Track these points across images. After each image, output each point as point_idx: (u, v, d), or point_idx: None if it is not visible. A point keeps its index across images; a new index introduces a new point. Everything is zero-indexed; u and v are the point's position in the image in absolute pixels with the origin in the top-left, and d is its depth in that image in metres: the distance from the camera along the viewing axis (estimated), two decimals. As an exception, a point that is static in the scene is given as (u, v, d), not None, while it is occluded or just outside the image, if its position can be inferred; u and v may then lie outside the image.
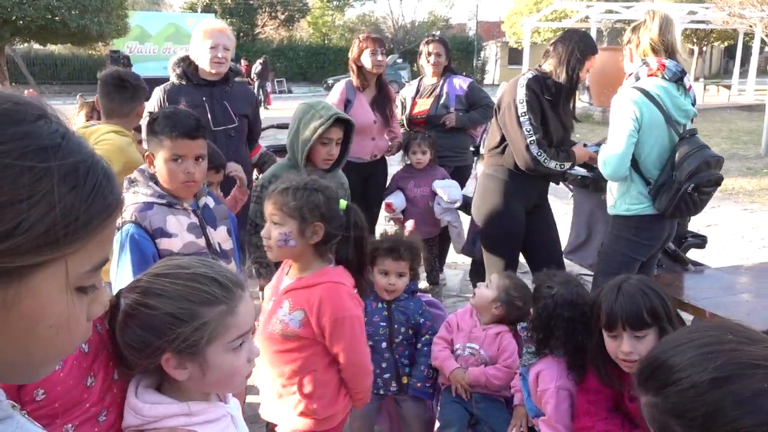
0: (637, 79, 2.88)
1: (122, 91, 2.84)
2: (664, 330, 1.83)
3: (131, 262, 1.95)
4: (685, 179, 2.73)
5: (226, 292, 1.17)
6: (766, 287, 3.06)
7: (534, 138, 3.05)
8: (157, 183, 2.08)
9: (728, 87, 22.14)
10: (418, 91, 4.53)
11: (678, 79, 2.84)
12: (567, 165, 3.11)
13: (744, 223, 6.67)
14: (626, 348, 1.84)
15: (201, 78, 3.34)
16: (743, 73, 23.35)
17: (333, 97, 4.05)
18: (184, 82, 3.37)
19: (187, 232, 2.08)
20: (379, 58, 3.97)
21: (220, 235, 2.21)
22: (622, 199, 2.90)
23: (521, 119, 3.07)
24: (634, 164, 2.85)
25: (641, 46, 2.90)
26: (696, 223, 4.15)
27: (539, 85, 3.10)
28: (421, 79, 4.62)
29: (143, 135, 2.09)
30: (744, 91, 21.32)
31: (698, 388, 0.94)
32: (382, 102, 4.08)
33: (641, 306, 1.83)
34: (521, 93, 3.09)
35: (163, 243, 2.03)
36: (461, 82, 4.44)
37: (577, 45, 3.06)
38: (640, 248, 2.96)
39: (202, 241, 2.11)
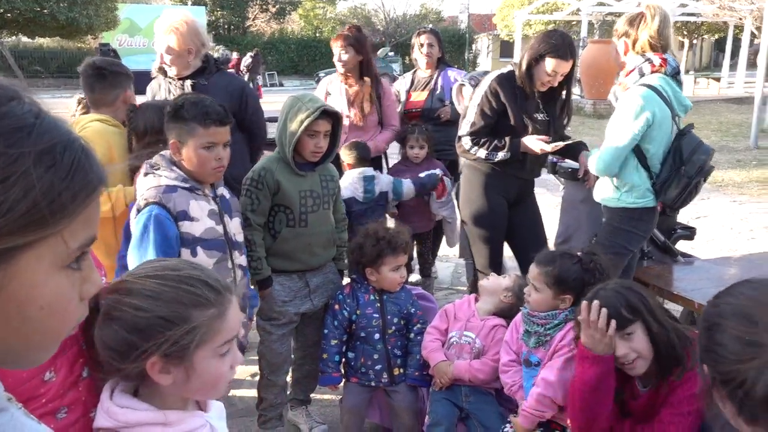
0: (641, 74, 2.88)
1: (102, 80, 2.82)
2: (647, 323, 1.89)
3: (153, 243, 2.00)
4: (695, 173, 2.81)
5: (217, 295, 1.14)
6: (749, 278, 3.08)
7: (468, 130, 3.18)
8: (178, 167, 2.12)
9: (718, 80, 22.24)
10: (412, 83, 4.52)
11: (675, 73, 2.88)
12: (500, 155, 3.12)
13: (733, 214, 6.72)
14: (621, 351, 1.89)
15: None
16: (733, 66, 23.46)
17: (319, 89, 4.05)
18: (161, 77, 3.33)
19: (208, 217, 2.15)
20: (344, 56, 3.89)
21: (235, 226, 2.28)
22: (628, 192, 2.91)
23: (469, 110, 3.20)
24: (642, 159, 2.87)
25: (639, 42, 2.90)
26: (685, 215, 4.18)
27: (509, 82, 3.13)
28: (414, 71, 4.60)
29: (165, 124, 2.14)
30: (733, 83, 21.42)
31: (726, 305, 1.12)
32: (366, 97, 3.95)
33: (618, 305, 1.90)
34: (484, 87, 3.17)
35: (185, 226, 2.09)
36: (456, 75, 4.43)
37: (540, 45, 3.05)
38: (637, 240, 3.01)
39: (220, 228, 2.18)
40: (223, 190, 2.28)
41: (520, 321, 2.36)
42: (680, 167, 2.82)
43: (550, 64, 3.01)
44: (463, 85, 3.67)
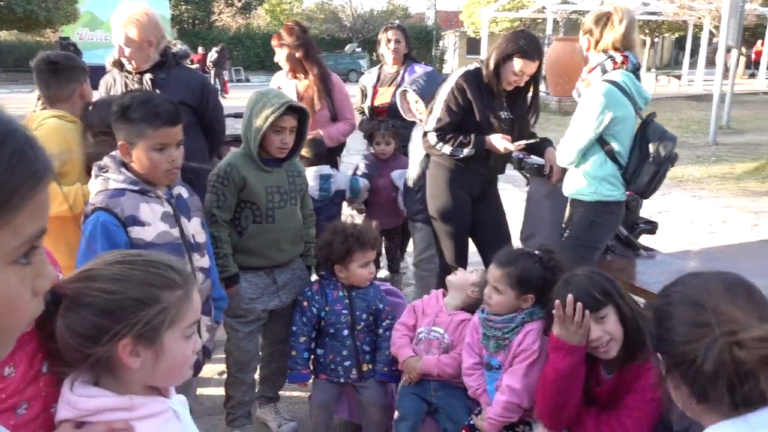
0: (604, 71, 2.94)
1: (56, 75, 2.72)
2: (618, 306, 1.96)
3: (102, 251, 1.86)
4: (664, 160, 2.91)
5: (182, 277, 1.18)
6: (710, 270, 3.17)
7: (434, 126, 3.20)
8: (128, 169, 2.02)
9: (678, 77, 22.78)
10: (378, 79, 4.51)
11: (636, 69, 2.95)
12: (465, 151, 3.16)
13: (693, 209, 6.90)
14: (595, 334, 1.93)
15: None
16: (693, 64, 24.04)
17: (271, 86, 3.94)
18: (117, 70, 3.24)
19: (160, 221, 2.03)
20: (283, 53, 3.86)
21: (194, 227, 2.16)
22: (602, 186, 2.98)
23: (435, 106, 3.22)
24: (611, 154, 2.94)
25: (602, 43, 2.95)
26: (647, 210, 4.27)
27: (475, 79, 3.16)
28: (381, 67, 4.59)
29: (112, 124, 2.02)
30: (693, 81, 21.96)
31: (674, 295, 1.18)
32: (321, 94, 3.91)
33: (591, 289, 1.95)
34: (451, 83, 3.19)
35: (135, 231, 1.98)
36: (422, 71, 4.43)
37: (508, 45, 3.08)
38: (609, 233, 3.10)
39: (176, 231, 2.07)
40: (180, 190, 2.17)
41: (479, 323, 2.36)
42: (648, 156, 2.91)
43: (517, 64, 3.05)
44: (406, 91, 3.66)
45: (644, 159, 2.92)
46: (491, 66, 3.10)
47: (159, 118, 1.96)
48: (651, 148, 2.91)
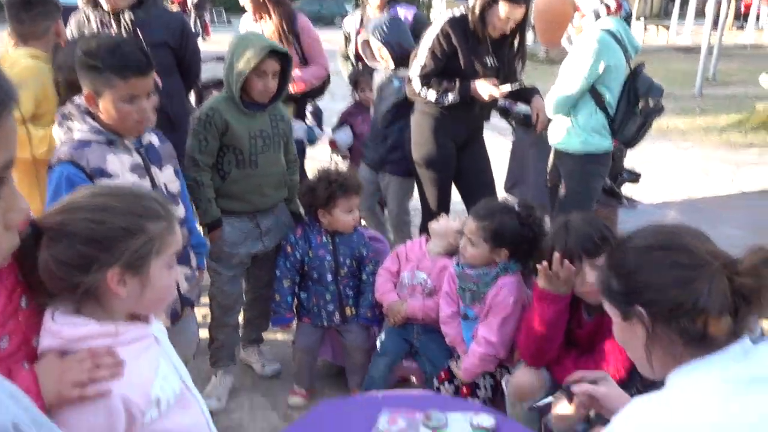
0: (597, 17, 2.90)
1: (29, 9, 2.59)
2: None
3: None
4: (651, 111, 2.93)
5: (165, 209, 1.21)
6: (692, 222, 3.17)
7: (419, 72, 3.15)
8: (94, 118, 1.89)
9: (667, 28, 22.54)
10: (362, 22, 4.39)
11: (627, 17, 2.93)
12: (450, 97, 3.11)
13: (676, 160, 6.94)
14: (591, 278, 1.93)
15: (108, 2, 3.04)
16: (682, 15, 23.76)
17: (240, 30, 3.76)
18: (90, 9, 3.10)
19: (129, 172, 1.93)
20: None
21: (167, 176, 2.06)
22: (592, 137, 2.98)
23: (420, 52, 3.16)
24: (600, 102, 2.92)
25: None
26: (631, 160, 4.28)
27: (461, 25, 3.09)
28: (364, 9, 4.47)
29: (77, 68, 1.87)
30: (682, 32, 21.75)
31: (635, 248, 1.16)
32: (286, 36, 3.66)
33: (592, 234, 1.96)
34: (436, 29, 3.13)
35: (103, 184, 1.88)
36: (406, 12, 4.31)
37: None
38: (600, 181, 3.15)
39: (146, 182, 1.97)
40: (151, 137, 2.05)
41: (455, 274, 2.38)
42: (635, 106, 2.90)
43: (503, 9, 2.97)
44: (367, 40, 3.55)
45: (632, 109, 2.92)
46: (477, 11, 3.03)
47: (129, 67, 1.81)
48: (640, 99, 2.90)
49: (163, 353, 1.27)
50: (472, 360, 2.28)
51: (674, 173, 6.47)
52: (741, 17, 26.69)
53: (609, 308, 1.20)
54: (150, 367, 1.21)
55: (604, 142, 2.98)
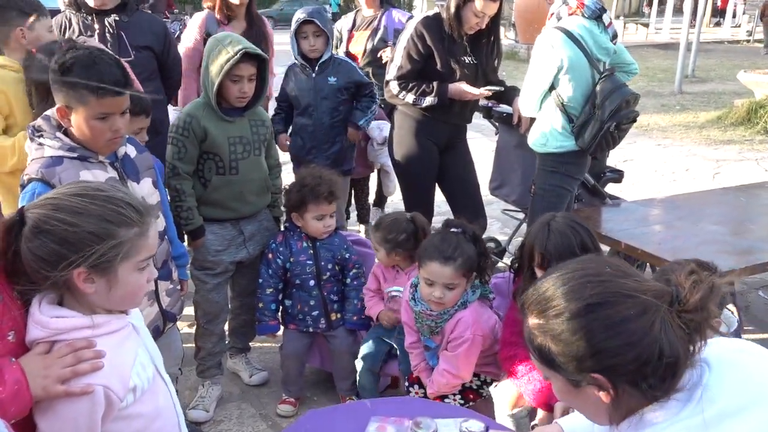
0: (559, 18, 2.90)
1: None
2: None
3: None
4: (607, 118, 2.84)
5: (140, 216, 1.28)
6: (674, 219, 3.24)
7: (396, 74, 3.13)
8: (66, 133, 1.81)
9: (646, 25, 22.75)
10: (354, 23, 4.38)
11: (597, 16, 2.88)
12: (428, 99, 3.09)
13: (657, 158, 7.00)
14: None
15: (91, 6, 3.02)
16: (660, 12, 24.01)
17: (191, 32, 3.64)
18: (73, 11, 3.07)
19: None
20: None
21: (144, 189, 1.98)
22: (553, 137, 2.97)
23: (396, 54, 3.15)
24: (561, 104, 2.91)
25: None
26: (613, 158, 4.32)
27: (436, 25, 3.08)
28: (357, 11, 4.47)
29: (51, 81, 1.79)
30: (661, 29, 21.98)
31: (574, 313, 1.02)
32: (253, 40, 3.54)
33: (572, 242, 1.92)
34: (410, 30, 3.11)
35: None
36: (400, 16, 4.32)
37: None
38: (572, 181, 3.11)
39: None
40: (127, 149, 1.97)
41: (408, 298, 2.29)
42: (596, 111, 2.86)
43: (478, 4, 2.97)
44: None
45: (592, 115, 2.87)
46: (452, 9, 3.01)
47: (105, 87, 1.72)
48: (597, 104, 2.84)
49: (140, 341, 1.38)
50: (435, 388, 2.26)
51: (656, 170, 6.52)
52: (718, 13, 27.03)
53: (548, 373, 1.10)
54: (129, 357, 1.31)
55: (565, 143, 2.96)
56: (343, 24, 4.40)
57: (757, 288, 3.82)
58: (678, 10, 22.80)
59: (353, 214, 4.65)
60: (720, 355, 1.04)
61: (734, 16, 25.18)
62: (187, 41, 3.66)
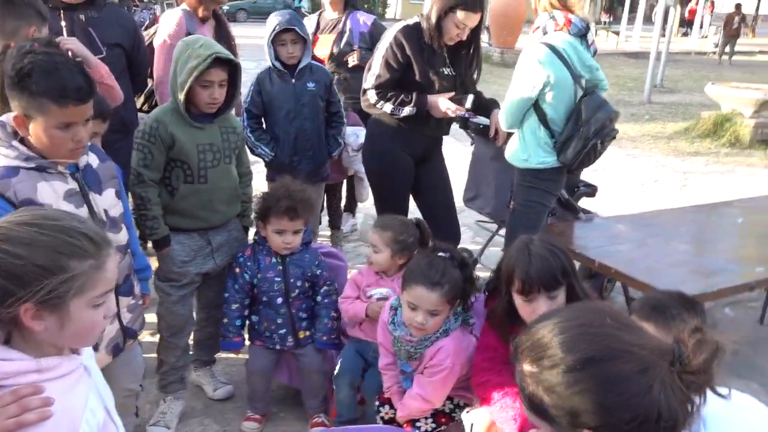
0: (545, 33, 2.87)
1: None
2: (571, 285, 1.89)
3: None
4: (592, 135, 2.83)
5: (96, 247, 1.16)
6: (646, 236, 3.25)
7: (374, 83, 3.07)
8: (23, 141, 1.69)
9: (617, 33, 23.12)
10: (318, 26, 4.30)
11: (582, 34, 2.87)
12: (406, 110, 3.04)
13: (626, 168, 7.08)
14: (544, 310, 1.85)
15: (58, 0, 2.87)
16: (631, 20, 24.43)
17: (168, 28, 3.42)
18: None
19: (64, 201, 1.74)
20: None
21: (107, 201, 1.88)
22: (535, 153, 2.93)
23: (374, 62, 3.09)
24: (543, 120, 2.88)
25: (542, 2, 2.92)
26: (585, 168, 4.30)
27: (415, 34, 3.02)
28: (321, 13, 4.38)
29: (6, 87, 1.66)
30: (631, 37, 22.35)
31: (570, 366, 0.97)
32: (221, 40, 3.41)
33: (554, 268, 1.86)
34: (389, 38, 3.05)
35: None
36: (365, 19, 4.26)
37: None
38: (550, 197, 3.08)
39: (83, 211, 1.78)
40: (89, 158, 1.85)
41: (386, 320, 2.24)
42: (580, 128, 2.85)
43: (460, 15, 2.92)
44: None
45: (576, 131, 2.85)
46: (433, 20, 2.95)
47: (67, 94, 1.62)
48: (582, 120, 2.83)
49: (92, 384, 1.27)
50: (406, 411, 2.21)
51: (625, 181, 6.59)
52: (685, 24, 27.62)
53: (537, 422, 1.05)
54: (79, 402, 1.19)
55: (547, 159, 2.94)
56: (306, 26, 4.31)
57: (724, 305, 3.87)
58: (647, 19, 23.23)
59: (324, 219, 4.58)
60: (715, 411, 1.01)
61: (701, 26, 25.77)
62: (161, 40, 3.48)
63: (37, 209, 1.21)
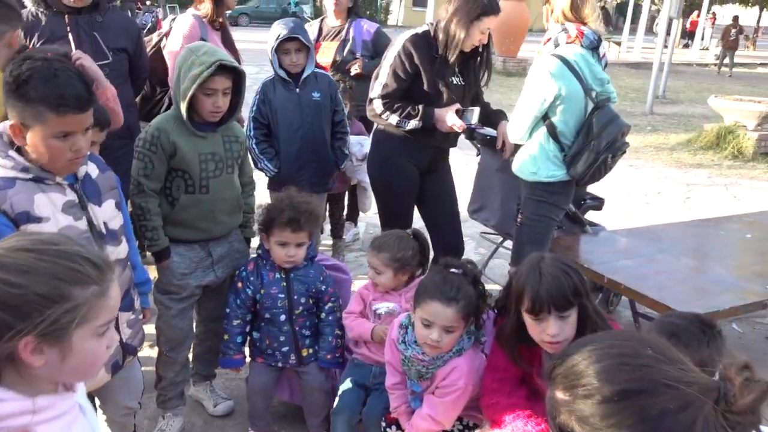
0: (556, 45, 2.82)
1: None
2: (583, 306, 1.83)
3: None
4: (604, 149, 2.77)
5: (100, 272, 1.08)
6: (655, 252, 3.20)
7: (380, 92, 3.01)
8: (20, 151, 1.64)
9: (619, 44, 23.16)
10: (320, 32, 4.26)
11: (594, 47, 2.81)
12: (412, 123, 2.98)
13: (629, 179, 7.03)
14: (554, 330, 1.80)
15: (63, 4, 2.82)
16: (633, 30, 24.48)
17: (181, 31, 3.41)
18: (42, 10, 2.87)
19: (62, 213, 1.69)
20: None
21: (107, 212, 1.82)
22: (545, 166, 2.87)
23: (381, 71, 3.03)
24: (553, 133, 2.83)
25: (555, 13, 2.87)
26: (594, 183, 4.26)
27: (425, 43, 2.96)
28: (323, 19, 4.35)
29: (4, 95, 1.61)
30: (633, 48, 22.38)
31: (606, 397, 0.91)
32: (227, 47, 3.47)
33: (566, 288, 1.80)
34: (398, 46, 2.99)
35: (30, 230, 1.62)
36: (368, 27, 4.23)
37: (471, 6, 2.85)
38: (559, 211, 3.02)
39: (82, 224, 1.73)
40: (88, 168, 1.80)
41: (395, 339, 2.17)
42: (591, 142, 2.79)
43: (487, 22, 2.88)
44: None
45: (587, 145, 2.79)
46: (458, 33, 2.86)
47: (66, 102, 1.57)
48: (594, 134, 2.78)
49: (86, 424, 1.19)
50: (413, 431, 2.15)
51: (629, 192, 6.54)
52: (686, 35, 27.69)
53: None
54: None
55: (556, 172, 2.88)
56: (308, 32, 4.27)
57: (731, 320, 3.81)
58: (649, 30, 23.27)
59: (327, 228, 4.53)
60: None
61: (702, 38, 25.83)
62: (175, 46, 3.42)
63: (35, 234, 1.13)
